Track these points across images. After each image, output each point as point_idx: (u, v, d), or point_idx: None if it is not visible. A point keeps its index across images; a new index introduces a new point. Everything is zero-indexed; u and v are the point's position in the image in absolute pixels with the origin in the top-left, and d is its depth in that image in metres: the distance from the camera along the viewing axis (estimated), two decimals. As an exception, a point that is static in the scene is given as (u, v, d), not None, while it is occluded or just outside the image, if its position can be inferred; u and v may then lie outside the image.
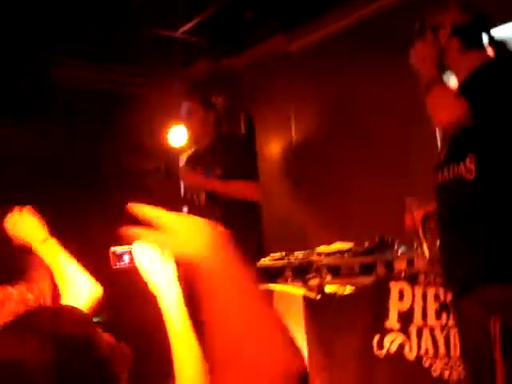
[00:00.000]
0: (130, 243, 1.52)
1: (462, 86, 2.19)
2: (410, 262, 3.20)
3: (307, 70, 4.61)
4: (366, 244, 3.58)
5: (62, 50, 4.55)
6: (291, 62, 4.73)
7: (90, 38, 4.41)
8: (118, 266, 1.55)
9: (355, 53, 4.21)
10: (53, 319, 1.03)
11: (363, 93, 4.23)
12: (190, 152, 4.29)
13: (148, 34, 4.50)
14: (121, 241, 1.51)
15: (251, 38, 4.81)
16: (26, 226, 1.96)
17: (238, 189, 3.65)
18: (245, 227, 3.61)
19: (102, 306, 1.95)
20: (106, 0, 3.94)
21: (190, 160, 4.07)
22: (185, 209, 3.91)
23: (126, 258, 1.54)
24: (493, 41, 2.25)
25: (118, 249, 1.57)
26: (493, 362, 2.00)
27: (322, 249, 3.84)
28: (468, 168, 2.03)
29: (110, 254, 1.56)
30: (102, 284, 1.88)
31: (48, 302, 1.49)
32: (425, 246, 2.23)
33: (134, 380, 1.04)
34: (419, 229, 2.26)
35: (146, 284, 1.50)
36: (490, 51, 2.22)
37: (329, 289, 3.48)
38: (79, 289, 1.86)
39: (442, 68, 2.26)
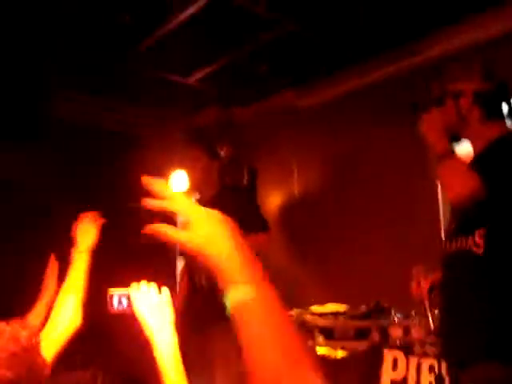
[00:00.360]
0: (127, 286, 1.48)
1: (479, 157, 2.13)
2: (406, 331, 3.14)
3: (313, 125, 4.67)
4: (363, 308, 3.52)
5: (68, 84, 4.57)
6: (298, 116, 4.77)
7: (98, 74, 4.43)
8: (115, 310, 1.51)
9: (360, 112, 4.30)
10: None
11: (367, 152, 4.27)
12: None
13: (158, 77, 4.53)
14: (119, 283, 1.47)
15: (261, 91, 4.86)
16: (85, 230, 2.17)
17: (253, 242, 3.62)
18: None
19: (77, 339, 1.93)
20: (118, 39, 3.95)
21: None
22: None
23: (124, 301, 1.50)
24: None
25: (115, 291, 1.52)
26: None
27: (316, 309, 3.77)
28: (476, 242, 1.99)
29: (108, 298, 1.52)
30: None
31: (39, 340, 1.45)
32: (430, 317, 2.16)
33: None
34: (425, 299, 2.20)
35: (140, 328, 1.46)
36: (509, 123, 2.17)
37: (320, 351, 3.41)
38: (65, 313, 1.90)
39: (455, 137, 2.20)
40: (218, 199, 3.74)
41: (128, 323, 1.51)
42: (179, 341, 1.45)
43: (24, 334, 1.41)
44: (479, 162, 2.07)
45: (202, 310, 3.36)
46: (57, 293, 2.02)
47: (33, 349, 1.41)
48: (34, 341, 1.44)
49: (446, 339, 2.21)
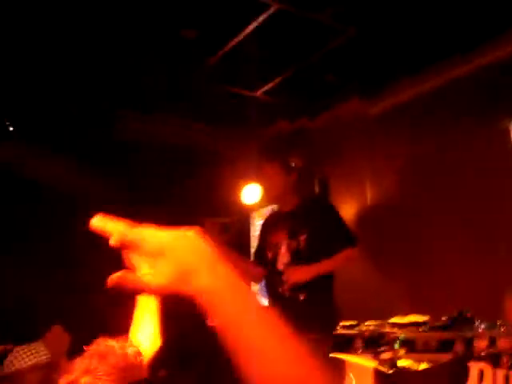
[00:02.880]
0: None
1: None
2: (492, 341, 3.00)
3: (384, 132, 4.58)
4: (444, 318, 3.39)
5: (134, 104, 4.70)
6: (367, 124, 4.70)
7: (168, 91, 4.52)
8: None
9: (433, 117, 4.18)
10: None
11: (440, 157, 4.14)
12: (270, 213, 4.26)
13: (226, 92, 4.58)
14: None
15: (329, 100, 4.83)
16: None
17: (342, 259, 3.65)
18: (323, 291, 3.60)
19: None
20: (185, 55, 4.02)
21: (270, 221, 4.02)
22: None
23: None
24: None
25: None
26: None
27: (396, 320, 3.66)
28: None
29: None
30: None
31: (143, 357, 1.50)
32: None
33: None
34: None
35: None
36: None
37: (402, 363, 3.30)
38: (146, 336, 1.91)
39: None
40: (300, 211, 3.75)
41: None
42: None
43: (130, 352, 1.47)
44: None
45: None
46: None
47: (139, 365, 1.46)
48: (139, 359, 1.49)
49: None
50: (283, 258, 3.75)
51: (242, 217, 5.30)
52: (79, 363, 1.44)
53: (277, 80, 4.43)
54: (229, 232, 5.60)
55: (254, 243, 5.60)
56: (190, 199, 5.26)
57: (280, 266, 3.77)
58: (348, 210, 4.89)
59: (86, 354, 1.47)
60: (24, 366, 2.53)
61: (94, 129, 4.78)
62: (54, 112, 4.48)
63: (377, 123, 4.62)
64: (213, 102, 4.70)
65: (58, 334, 3.21)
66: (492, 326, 3.07)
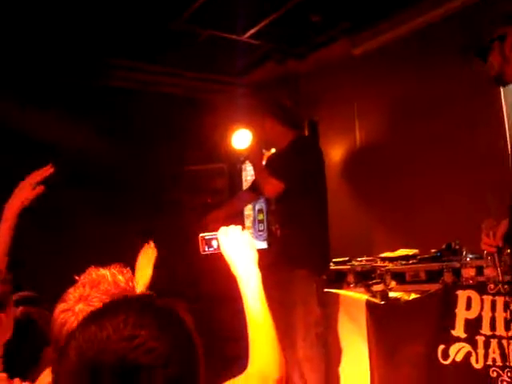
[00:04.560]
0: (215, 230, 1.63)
1: None
2: (479, 270, 3.13)
3: (371, 72, 4.61)
4: (433, 250, 3.52)
5: (122, 52, 4.68)
6: (355, 64, 4.71)
7: (151, 39, 4.49)
8: (206, 252, 1.65)
9: (418, 56, 4.24)
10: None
11: (426, 95, 4.21)
12: (269, 154, 4.33)
13: (212, 37, 4.54)
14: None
15: (316, 42, 4.81)
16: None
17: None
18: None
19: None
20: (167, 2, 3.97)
21: (268, 161, 4.09)
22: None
23: (214, 243, 1.65)
24: None
25: (206, 235, 1.67)
26: None
27: (387, 255, 3.80)
28: None
29: (200, 240, 1.66)
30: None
31: (134, 284, 1.60)
32: (499, 271, 2.16)
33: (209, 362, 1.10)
34: (494, 253, 2.19)
35: (228, 268, 1.60)
36: None
37: (393, 295, 3.45)
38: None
39: (502, 81, 2.23)
40: (286, 151, 3.78)
41: (217, 264, 1.65)
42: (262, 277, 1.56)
43: (122, 279, 1.56)
44: None
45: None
46: None
47: (130, 292, 1.55)
48: (130, 284, 1.58)
49: None
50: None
51: (234, 162, 5.35)
52: (73, 292, 1.51)
53: (263, 23, 4.39)
54: (222, 177, 5.68)
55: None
56: (180, 147, 5.30)
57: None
58: (338, 151, 4.97)
59: (78, 283, 1.54)
60: None
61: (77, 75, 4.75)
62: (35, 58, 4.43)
63: (362, 63, 4.64)
64: (199, 47, 4.67)
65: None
66: (479, 256, 3.19)
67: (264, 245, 4.42)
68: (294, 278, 3.41)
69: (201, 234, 1.69)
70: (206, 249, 1.68)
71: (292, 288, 3.41)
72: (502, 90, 3.72)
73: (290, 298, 3.41)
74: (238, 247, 1.59)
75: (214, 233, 1.67)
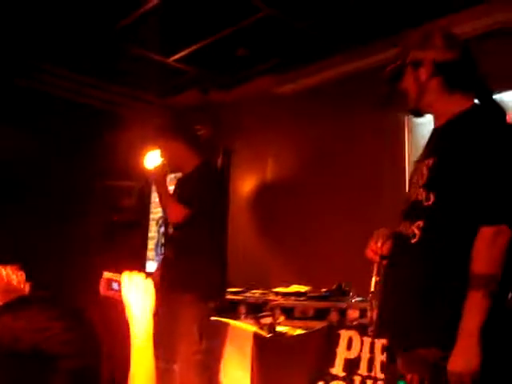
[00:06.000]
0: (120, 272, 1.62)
1: (441, 131, 1.96)
2: (363, 313, 3.23)
3: (291, 111, 4.74)
4: (323, 289, 3.62)
5: (46, 58, 4.61)
6: (277, 101, 4.83)
7: (79, 50, 4.46)
8: (107, 294, 1.63)
9: (338, 102, 4.39)
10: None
11: (341, 141, 4.37)
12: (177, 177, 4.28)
13: (138, 56, 4.54)
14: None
15: (240, 75, 4.91)
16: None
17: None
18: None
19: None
20: (99, 16, 3.97)
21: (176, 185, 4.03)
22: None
23: (115, 285, 1.62)
24: (476, 84, 1.95)
25: (108, 276, 1.64)
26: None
27: (280, 289, 3.87)
28: (413, 232, 1.85)
29: (103, 281, 1.64)
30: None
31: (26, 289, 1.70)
32: (373, 280, 1.98)
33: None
34: (375, 262, 2.04)
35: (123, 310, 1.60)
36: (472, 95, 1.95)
37: (280, 329, 3.50)
38: None
39: (416, 112, 2.07)
40: (191, 175, 3.76)
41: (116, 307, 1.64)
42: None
43: (15, 279, 1.63)
44: (441, 136, 1.95)
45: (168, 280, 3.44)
46: None
47: (21, 292, 1.66)
48: (22, 286, 1.70)
49: (383, 316, 1.98)
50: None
51: (144, 182, 5.31)
52: None
53: (190, 49, 4.44)
54: (131, 196, 5.61)
55: (153, 209, 5.64)
56: (95, 159, 5.22)
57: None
58: (247, 182, 5.04)
59: None
60: None
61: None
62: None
63: (282, 103, 4.77)
64: (127, 63, 4.67)
65: None
66: (365, 299, 3.30)
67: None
68: (180, 301, 3.35)
69: (104, 274, 1.66)
70: (106, 290, 1.65)
71: (178, 312, 3.36)
72: (406, 131, 3.93)
73: (175, 322, 3.36)
74: (139, 293, 1.60)
75: (117, 274, 1.64)
